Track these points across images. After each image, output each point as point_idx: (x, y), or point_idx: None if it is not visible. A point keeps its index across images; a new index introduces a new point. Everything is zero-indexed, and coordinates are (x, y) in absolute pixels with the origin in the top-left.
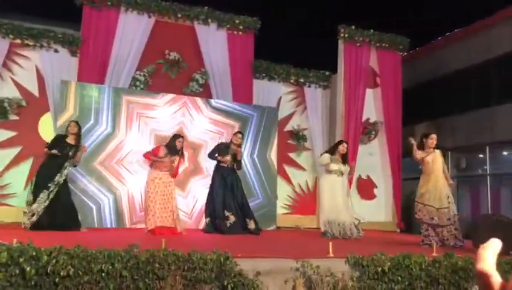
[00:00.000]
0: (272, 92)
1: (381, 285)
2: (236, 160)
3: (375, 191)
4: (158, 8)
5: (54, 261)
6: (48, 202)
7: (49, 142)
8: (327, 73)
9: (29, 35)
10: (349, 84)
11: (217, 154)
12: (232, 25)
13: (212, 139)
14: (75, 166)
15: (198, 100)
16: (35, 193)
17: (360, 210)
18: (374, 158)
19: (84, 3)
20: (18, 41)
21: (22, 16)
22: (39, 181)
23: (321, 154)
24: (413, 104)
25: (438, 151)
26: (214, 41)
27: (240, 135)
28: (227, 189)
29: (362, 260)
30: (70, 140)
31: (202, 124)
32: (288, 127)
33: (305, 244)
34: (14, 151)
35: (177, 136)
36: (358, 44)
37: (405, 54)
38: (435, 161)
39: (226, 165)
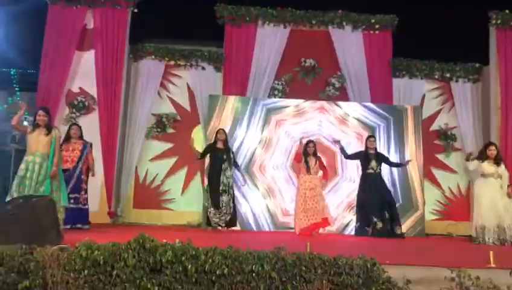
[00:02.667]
0: (414, 90)
1: None
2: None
3: None
4: (293, 17)
5: (210, 260)
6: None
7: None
8: (477, 65)
9: (181, 56)
10: (505, 74)
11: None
12: (367, 25)
13: (348, 143)
14: (236, 166)
15: (332, 104)
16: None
17: None
18: None
19: (225, 21)
20: (172, 62)
21: (171, 39)
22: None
23: (466, 160)
24: None
25: None
26: (350, 44)
27: (372, 139)
28: (375, 194)
29: None
30: (220, 145)
31: (338, 128)
32: (434, 127)
33: (459, 252)
34: (171, 161)
35: (307, 142)
36: None
37: None
38: None
39: (373, 172)
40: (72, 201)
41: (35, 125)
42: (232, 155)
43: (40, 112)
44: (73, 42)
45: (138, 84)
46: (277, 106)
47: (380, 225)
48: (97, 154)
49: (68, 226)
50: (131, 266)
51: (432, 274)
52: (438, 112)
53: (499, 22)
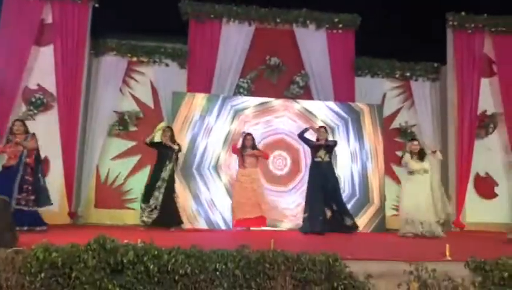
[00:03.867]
0: (376, 88)
1: None
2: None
3: (496, 189)
4: (258, 15)
5: (173, 260)
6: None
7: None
8: (436, 65)
9: (144, 52)
10: (461, 74)
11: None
12: (331, 24)
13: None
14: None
15: (294, 102)
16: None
17: (479, 210)
18: (493, 154)
19: (190, 18)
20: (134, 59)
21: (134, 35)
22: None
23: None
24: None
25: None
26: (314, 42)
27: (322, 129)
28: (323, 183)
29: (484, 264)
30: (166, 142)
31: (295, 125)
32: (395, 124)
33: (418, 247)
34: (134, 160)
35: (245, 134)
36: (469, 31)
37: None
38: None
39: (321, 160)
40: (22, 203)
41: None
42: (175, 154)
43: None
44: (31, 37)
45: (99, 81)
46: (242, 104)
47: (329, 214)
48: (56, 152)
49: (25, 228)
50: (91, 267)
51: (392, 268)
52: (399, 110)
53: (455, 23)
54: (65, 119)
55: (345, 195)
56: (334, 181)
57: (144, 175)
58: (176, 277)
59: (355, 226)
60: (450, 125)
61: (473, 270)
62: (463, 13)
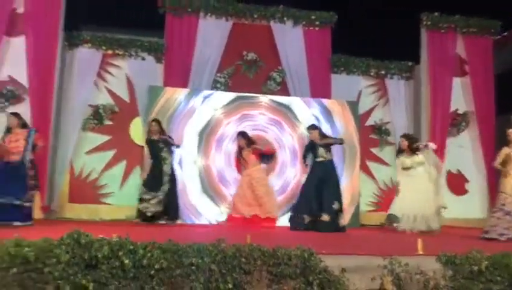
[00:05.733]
0: (352, 86)
1: (478, 285)
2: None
3: (467, 186)
4: (235, 10)
5: (148, 254)
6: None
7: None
8: (410, 63)
9: (119, 45)
10: (434, 73)
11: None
12: (308, 21)
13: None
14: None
15: (271, 99)
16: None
17: (451, 206)
18: (464, 151)
19: (166, 11)
20: (110, 52)
21: (110, 28)
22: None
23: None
24: (509, 91)
25: None
26: (291, 39)
27: (311, 131)
28: (326, 182)
29: (455, 258)
30: (155, 136)
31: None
32: (370, 122)
33: (391, 242)
34: (109, 154)
35: (236, 136)
36: (442, 31)
37: (498, 37)
38: None
39: (323, 159)
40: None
41: None
42: (169, 140)
43: None
44: (1, 27)
45: (73, 74)
46: (218, 99)
47: (326, 218)
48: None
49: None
50: (64, 262)
51: (366, 262)
52: (373, 108)
53: (429, 23)
54: (37, 112)
55: None
56: (337, 179)
57: (119, 170)
58: (152, 272)
59: (344, 228)
60: (423, 123)
61: (444, 264)
62: (436, 13)
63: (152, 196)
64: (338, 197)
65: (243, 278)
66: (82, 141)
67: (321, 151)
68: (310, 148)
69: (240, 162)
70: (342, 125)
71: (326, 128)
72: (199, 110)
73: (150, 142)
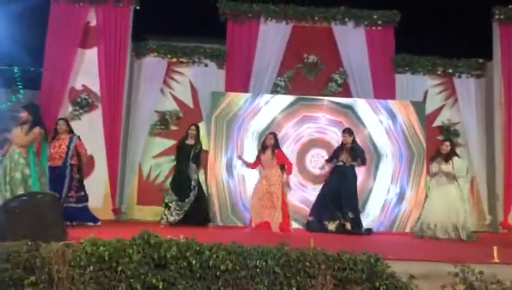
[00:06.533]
0: (417, 85)
1: None
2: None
3: None
4: (295, 13)
5: (214, 256)
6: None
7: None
8: (480, 61)
9: (183, 53)
10: (508, 70)
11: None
12: (370, 21)
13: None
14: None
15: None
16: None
17: None
18: None
19: (228, 18)
20: (174, 59)
21: (173, 36)
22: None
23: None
24: None
25: None
26: (352, 40)
27: (345, 134)
28: (342, 187)
29: None
30: (190, 141)
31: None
32: (437, 122)
33: (463, 248)
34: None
35: (268, 133)
36: None
37: None
38: None
39: (342, 164)
40: (70, 200)
41: (21, 123)
42: (198, 152)
43: (23, 111)
44: (76, 40)
45: (141, 82)
46: (279, 102)
47: (347, 224)
48: (101, 151)
49: (74, 223)
50: (136, 261)
51: (435, 269)
52: (441, 108)
53: (502, 17)
54: (109, 118)
55: (389, 195)
56: (352, 186)
57: None
58: (218, 273)
59: (371, 230)
60: (497, 123)
61: None
62: (510, 6)
63: (177, 206)
64: (353, 206)
65: (307, 282)
66: (149, 145)
67: (344, 156)
68: (337, 149)
69: (260, 161)
70: (407, 126)
71: (391, 130)
72: (260, 114)
73: (182, 144)
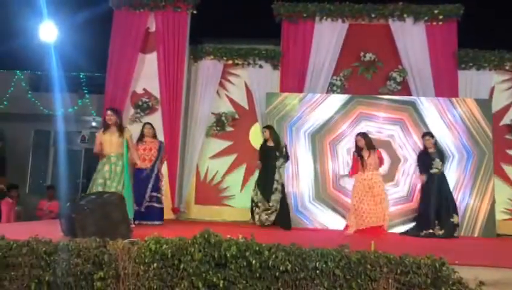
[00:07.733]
0: (483, 82)
1: None
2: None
3: None
4: (351, 11)
5: (273, 256)
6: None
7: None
8: None
9: (238, 55)
10: None
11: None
12: (430, 16)
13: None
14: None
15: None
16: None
17: None
18: None
19: (283, 19)
20: (230, 62)
21: (229, 39)
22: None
23: None
24: None
25: None
26: (411, 36)
27: (427, 137)
28: (438, 197)
29: None
30: (270, 143)
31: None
32: (505, 121)
33: None
34: (231, 159)
35: (356, 136)
36: None
37: None
38: None
39: (437, 171)
40: (154, 200)
41: (106, 126)
42: (285, 150)
43: (108, 112)
44: (137, 45)
45: (198, 84)
46: (335, 101)
47: (440, 233)
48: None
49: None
50: (197, 260)
51: (508, 276)
52: (509, 105)
53: None
54: (168, 120)
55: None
56: (451, 192)
57: (240, 173)
58: (277, 273)
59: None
60: None
61: None
62: None
63: (264, 206)
64: (456, 210)
65: (368, 285)
66: (206, 146)
67: (437, 162)
68: (424, 157)
69: (359, 163)
70: (473, 125)
71: (455, 131)
72: (314, 113)
73: (264, 148)
